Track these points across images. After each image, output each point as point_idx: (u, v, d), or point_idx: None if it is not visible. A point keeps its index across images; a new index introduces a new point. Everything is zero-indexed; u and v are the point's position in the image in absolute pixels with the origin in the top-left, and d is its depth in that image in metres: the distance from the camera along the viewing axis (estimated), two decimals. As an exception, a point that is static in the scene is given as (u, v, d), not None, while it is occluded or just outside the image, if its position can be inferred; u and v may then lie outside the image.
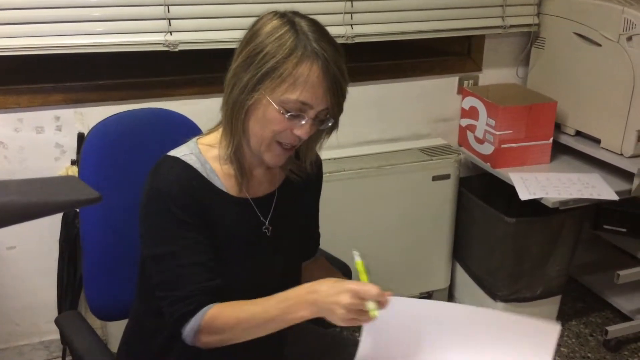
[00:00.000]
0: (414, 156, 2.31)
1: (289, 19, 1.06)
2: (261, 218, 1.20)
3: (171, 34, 1.95)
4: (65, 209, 0.81)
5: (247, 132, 1.10)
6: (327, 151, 2.36)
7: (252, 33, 1.07)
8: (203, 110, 2.03)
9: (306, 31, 1.04)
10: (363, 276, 1.05)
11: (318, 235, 1.40)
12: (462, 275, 2.54)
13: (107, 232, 1.33)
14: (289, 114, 1.05)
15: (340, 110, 1.10)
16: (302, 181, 1.25)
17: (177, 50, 1.96)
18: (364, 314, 0.96)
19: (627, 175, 2.07)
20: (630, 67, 1.99)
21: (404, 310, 1.07)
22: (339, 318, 0.97)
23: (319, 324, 1.48)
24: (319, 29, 1.07)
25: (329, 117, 1.10)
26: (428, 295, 2.55)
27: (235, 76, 1.07)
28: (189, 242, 1.08)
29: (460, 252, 2.52)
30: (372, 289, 0.96)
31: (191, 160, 1.12)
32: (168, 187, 1.08)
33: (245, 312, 1.05)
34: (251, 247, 1.18)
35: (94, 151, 1.33)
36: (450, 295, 2.60)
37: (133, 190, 1.24)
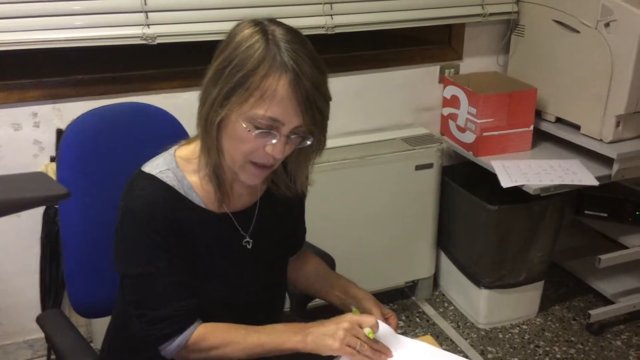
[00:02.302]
0: (396, 146, 2.31)
1: (262, 27, 0.99)
2: (242, 232, 1.17)
3: (149, 27, 1.92)
4: (33, 206, 0.80)
5: (221, 149, 1.05)
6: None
7: (225, 43, 1.01)
8: (183, 103, 2.02)
9: (278, 41, 0.97)
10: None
11: (304, 232, 1.38)
12: (446, 263, 2.56)
13: (88, 229, 1.32)
14: (258, 130, 0.98)
15: (320, 128, 1.03)
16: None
17: (155, 43, 1.93)
18: (360, 338, 1.03)
19: (607, 161, 2.09)
20: (609, 53, 2.00)
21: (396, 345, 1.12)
22: (338, 338, 1.02)
23: (306, 317, 1.49)
24: (295, 39, 0.98)
25: (307, 135, 1.02)
26: (413, 284, 2.56)
27: (205, 91, 1.02)
28: (165, 263, 1.06)
29: (444, 241, 2.53)
30: (369, 318, 1.07)
31: (168, 177, 1.08)
32: (143, 209, 1.05)
33: (235, 336, 1.07)
34: (231, 262, 1.16)
35: (72, 147, 1.31)
36: (435, 283, 2.62)
37: (113, 186, 1.22)
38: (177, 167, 1.10)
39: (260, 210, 1.19)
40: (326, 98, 1.02)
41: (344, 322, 1.04)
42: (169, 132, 1.36)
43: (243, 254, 1.17)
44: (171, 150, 1.13)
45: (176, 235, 1.07)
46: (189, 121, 1.21)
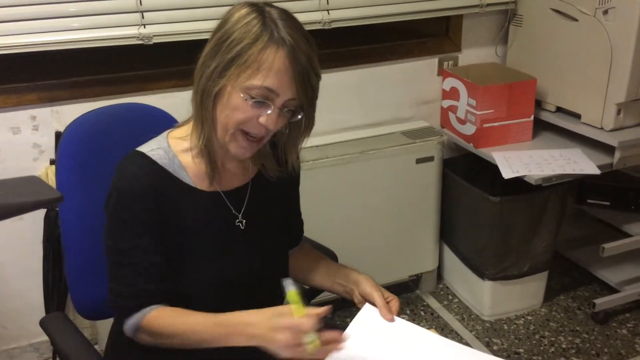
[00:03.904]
0: (396, 140, 2.31)
1: (259, 7, 1.06)
2: (234, 211, 1.18)
3: (144, 27, 1.92)
4: (26, 210, 0.80)
5: (215, 122, 1.08)
6: (310, 138, 2.36)
7: (222, 21, 1.07)
8: (181, 103, 1.99)
9: (275, 19, 1.03)
10: (298, 308, 0.99)
11: (301, 223, 1.39)
12: (450, 256, 2.55)
13: (88, 231, 1.31)
14: (254, 100, 1.03)
15: (310, 103, 1.07)
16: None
17: (151, 43, 1.93)
18: (304, 346, 0.96)
19: (608, 149, 2.09)
20: (607, 40, 1.99)
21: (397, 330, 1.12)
22: (280, 352, 0.98)
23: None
24: (290, 19, 1.05)
25: (298, 109, 1.07)
26: (417, 278, 2.56)
27: (204, 64, 1.06)
28: (143, 242, 1.09)
29: (447, 233, 2.53)
30: (307, 323, 0.96)
31: (158, 155, 1.11)
32: (128, 186, 1.09)
33: (183, 326, 1.06)
34: (223, 242, 1.17)
35: (70, 150, 1.31)
36: (439, 276, 2.62)
37: (112, 187, 1.22)
38: (168, 146, 1.13)
39: (252, 191, 1.21)
40: (317, 75, 1.07)
41: (281, 334, 0.96)
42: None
43: (236, 233, 1.18)
44: (164, 133, 1.17)
45: (161, 214, 1.09)
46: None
